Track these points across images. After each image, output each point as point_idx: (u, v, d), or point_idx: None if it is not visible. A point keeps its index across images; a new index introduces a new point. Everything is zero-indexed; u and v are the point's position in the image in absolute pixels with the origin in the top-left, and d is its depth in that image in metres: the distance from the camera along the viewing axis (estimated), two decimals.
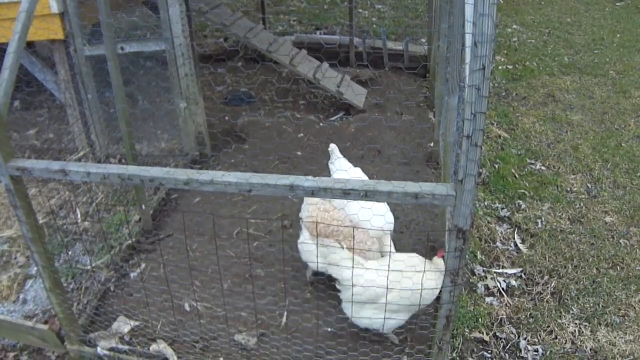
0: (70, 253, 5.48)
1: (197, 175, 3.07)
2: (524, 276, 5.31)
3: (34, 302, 4.94)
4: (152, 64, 6.75)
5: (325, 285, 4.74)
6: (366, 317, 4.17)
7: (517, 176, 6.89)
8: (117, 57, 4.92)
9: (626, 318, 4.83)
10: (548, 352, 4.48)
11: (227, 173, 3.04)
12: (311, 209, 4.83)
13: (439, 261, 4.25)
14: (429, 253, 5.23)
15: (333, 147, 5.50)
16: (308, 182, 2.91)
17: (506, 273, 5.32)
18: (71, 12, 6.14)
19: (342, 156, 5.48)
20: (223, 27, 8.33)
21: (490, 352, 4.51)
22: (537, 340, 4.61)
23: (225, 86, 9.67)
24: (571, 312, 4.88)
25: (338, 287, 4.30)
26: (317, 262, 4.53)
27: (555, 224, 6.01)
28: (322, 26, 13.34)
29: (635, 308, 4.93)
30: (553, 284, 5.19)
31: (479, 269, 5.33)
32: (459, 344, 4.49)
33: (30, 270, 5.28)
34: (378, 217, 4.67)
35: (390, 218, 4.91)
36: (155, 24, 6.58)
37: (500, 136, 7.92)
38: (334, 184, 2.88)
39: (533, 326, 4.73)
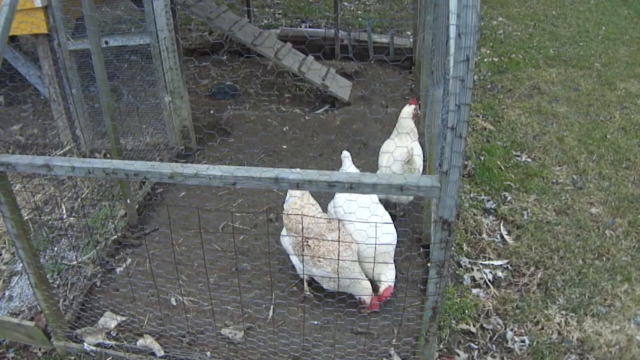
0: (55, 249, 5.46)
1: (181, 169, 3.05)
2: (510, 267, 5.33)
3: (20, 299, 4.92)
4: (136, 57, 6.71)
5: (312, 279, 4.74)
6: None
7: (503, 168, 6.91)
8: (101, 51, 4.89)
9: (612, 308, 4.86)
10: (534, 343, 4.50)
11: (211, 166, 3.03)
12: (292, 201, 4.85)
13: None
14: (414, 244, 5.26)
15: (345, 155, 5.46)
16: (292, 174, 2.91)
17: (492, 264, 5.34)
18: (54, 5, 6.10)
19: (350, 164, 5.39)
20: (207, 20, 8.30)
21: (477, 343, 4.53)
22: (523, 331, 4.64)
23: (210, 79, 9.64)
24: (557, 302, 4.91)
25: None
26: (303, 267, 4.54)
27: (540, 216, 6.03)
28: (306, 19, 13.32)
29: (620, 298, 4.96)
30: (539, 275, 5.21)
31: (464, 261, 5.35)
32: (445, 335, 4.50)
33: (15, 267, 5.26)
34: (363, 209, 4.67)
35: (375, 210, 4.89)
36: (139, 17, 6.54)
37: (485, 128, 7.94)
38: (318, 176, 2.87)
39: (519, 317, 4.76)
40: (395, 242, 4.76)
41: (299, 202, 4.83)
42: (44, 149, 7.12)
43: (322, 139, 7.48)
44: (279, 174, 2.93)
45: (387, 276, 4.57)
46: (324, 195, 5.53)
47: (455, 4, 2.54)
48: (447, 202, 2.77)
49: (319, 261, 4.42)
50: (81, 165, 3.22)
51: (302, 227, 4.52)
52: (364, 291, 4.47)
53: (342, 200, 4.91)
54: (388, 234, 4.64)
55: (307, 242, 4.51)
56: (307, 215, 4.58)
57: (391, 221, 4.88)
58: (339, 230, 4.44)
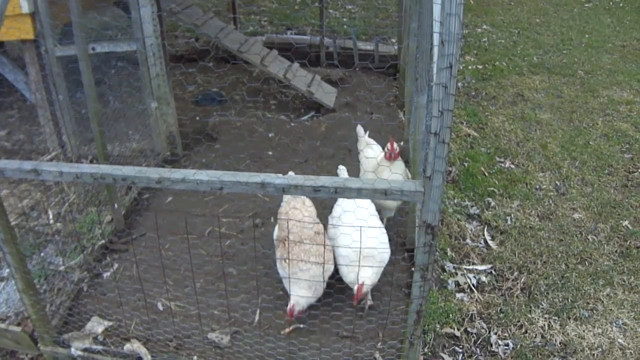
0: (42, 254, 5.45)
1: (168, 174, 3.08)
2: (493, 272, 5.38)
3: (6, 304, 4.91)
4: (123, 63, 6.73)
5: None
6: None
7: (487, 174, 6.96)
8: (88, 57, 4.91)
9: (594, 311, 4.92)
10: (518, 346, 4.55)
11: (198, 171, 3.06)
12: (286, 199, 4.90)
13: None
14: (398, 248, 5.30)
15: (341, 168, 5.56)
16: (279, 179, 2.94)
17: (476, 269, 5.39)
18: (42, 11, 6.10)
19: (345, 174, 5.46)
20: (194, 27, 8.32)
21: (461, 346, 4.57)
22: (507, 335, 4.69)
23: (196, 86, 9.66)
24: (540, 306, 4.96)
25: None
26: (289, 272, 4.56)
27: (524, 221, 6.09)
28: (292, 26, 13.34)
29: (602, 302, 5.02)
30: (522, 280, 5.27)
31: (449, 266, 5.40)
32: (430, 339, 4.54)
33: (2, 272, 5.25)
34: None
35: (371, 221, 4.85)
36: (127, 24, 6.56)
37: (469, 135, 8.00)
38: (304, 181, 2.91)
39: (503, 321, 4.80)
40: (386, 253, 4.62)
41: (292, 202, 4.88)
42: (31, 154, 7.11)
43: (307, 145, 7.52)
44: (265, 178, 2.96)
45: (362, 274, 4.33)
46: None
47: (438, 12, 2.59)
48: (431, 206, 2.81)
49: (284, 261, 4.45)
50: (69, 170, 3.24)
51: (288, 229, 4.55)
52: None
53: (338, 211, 4.93)
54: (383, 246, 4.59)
55: (285, 241, 4.55)
56: (292, 219, 4.62)
57: (384, 231, 4.80)
58: (318, 238, 4.48)
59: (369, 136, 6.02)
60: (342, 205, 5.01)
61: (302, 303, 4.33)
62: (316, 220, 4.82)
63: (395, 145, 5.23)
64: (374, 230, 4.61)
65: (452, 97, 2.51)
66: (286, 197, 5.02)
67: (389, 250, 4.61)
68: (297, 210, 4.80)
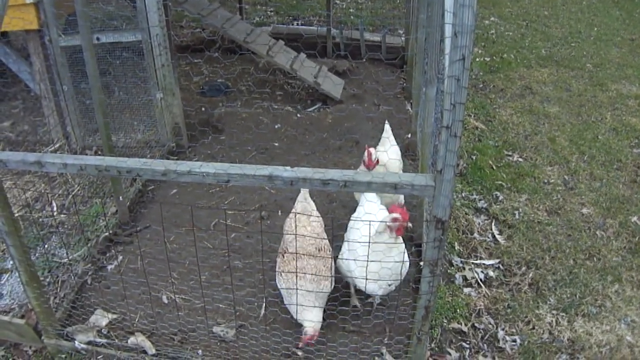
0: (46, 246, 5.43)
1: (174, 166, 3.04)
2: (501, 267, 5.34)
3: (10, 296, 4.89)
4: (128, 54, 6.68)
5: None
6: None
7: (494, 167, 6.91)
8: (93, 47, 4.87)
9: (602, 308, 4.88)
10: (526, 342, 4.51)
11: (205, 163, 3.02)
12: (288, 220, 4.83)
13: None
14: (406, 242, 5.25)
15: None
16: (286, 172, 2.90)
17: (484, 264, 5.35)
18: (46, 1, 6.06)
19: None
20: (200, 17, 8.28)
21: (468, 342, 4.53)
22: (514, 330, 4.65)
23: (202, 76, 9.61)
24: (548, 302, 4.92)
25: None
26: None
27: (532, 215, 6.04)
28: (299, 16, 13.29)
29: (611, 298, 4.97)
30: (530, 275, 5.22)
31: (456, 260, 5.35)
32: (437, 335, 4.50)
33: (5, 264, 5.23)
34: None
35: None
36: (132, 14, 6.51)
37: (477, 128, 7.94)
38: (312, 174, 2.86)
39: (511, 316, 4.76)
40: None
41: (299, 207, 4.83)
42: (35, 145, 7.08)
43: (314, 136, 7.48)
44: (272, 171, 2.92)
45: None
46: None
47: (451, 3, 2.54)
48: (442, 201, 2.77)
49: (281, 275, 4.36)
50: (74, 162, 3.20)
51: (286, 246, 4.50)
52: (306, 324, 4.15)
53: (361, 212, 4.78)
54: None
55: (284, 253, 4.45)
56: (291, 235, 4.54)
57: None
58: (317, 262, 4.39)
59: (380, 129, 5.96)
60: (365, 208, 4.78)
61: (317, 328, 4.16)
62: (321, 236, 4.64)
63: (373, 156, 5.05)
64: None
65: (465, 90, 2.46)
66: (299, 199, 4.93)
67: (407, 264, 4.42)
68: (301, 226, 4.66)
